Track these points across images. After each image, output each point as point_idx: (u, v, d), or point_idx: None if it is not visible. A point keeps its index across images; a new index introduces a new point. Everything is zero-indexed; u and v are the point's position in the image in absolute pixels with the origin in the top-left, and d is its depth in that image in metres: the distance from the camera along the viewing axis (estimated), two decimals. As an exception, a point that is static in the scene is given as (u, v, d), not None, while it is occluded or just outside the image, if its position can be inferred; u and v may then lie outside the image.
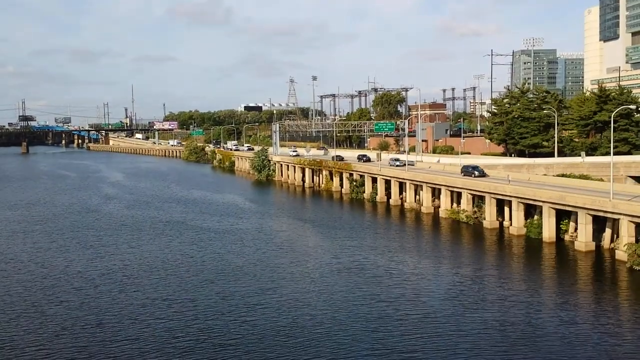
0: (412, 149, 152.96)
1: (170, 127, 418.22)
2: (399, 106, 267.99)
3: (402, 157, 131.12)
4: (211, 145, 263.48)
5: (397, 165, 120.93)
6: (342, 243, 79.72)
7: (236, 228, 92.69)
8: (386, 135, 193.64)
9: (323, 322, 48.10)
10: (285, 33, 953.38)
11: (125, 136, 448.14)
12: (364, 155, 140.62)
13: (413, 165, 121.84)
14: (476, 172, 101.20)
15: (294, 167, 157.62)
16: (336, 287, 58.65)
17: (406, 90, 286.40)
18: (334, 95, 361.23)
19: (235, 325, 47.98)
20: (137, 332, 46.68)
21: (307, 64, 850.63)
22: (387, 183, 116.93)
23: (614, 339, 43.93)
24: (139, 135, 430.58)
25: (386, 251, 74.55)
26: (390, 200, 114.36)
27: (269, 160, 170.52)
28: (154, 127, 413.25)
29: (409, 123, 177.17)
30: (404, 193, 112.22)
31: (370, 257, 71.12)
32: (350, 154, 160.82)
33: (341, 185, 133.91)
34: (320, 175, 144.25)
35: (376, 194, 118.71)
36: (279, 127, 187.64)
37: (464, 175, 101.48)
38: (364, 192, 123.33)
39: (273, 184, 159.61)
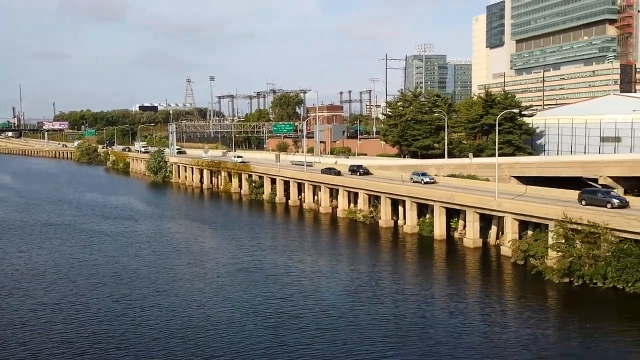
0: (311, 150, 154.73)
1: (60, 127, 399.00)
2: (297, 108, 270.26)
3: (301, 158, 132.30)
4: (104, 146, 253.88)
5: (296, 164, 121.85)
6: (241, 243, 79.44)
7: (131, 231, 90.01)
8: (285, 137, 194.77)
9: (219, 322, 47.89)
10: (183, 31, 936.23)
11: (12, 136, 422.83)
12: (332, 169, 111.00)
13: (311, 166, 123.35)
14: (361, 170, 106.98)
15: (192, 168, 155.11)
16: (233, 286, 58.51)
17: (304, 92, 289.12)
18: (232, 96, 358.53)
19: (128, 328, 46.85)
20: (27, 338, 44.71)
21: (206, 64, 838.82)
22: (286, 184, 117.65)
23: (498, 328, 46.69)
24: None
25: (285, 250, 75.09)
26: (289, 201, 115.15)
27: (166, 162, 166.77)
28: (44, 127, 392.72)
29: (307, 124, 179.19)
30: (302, 194, 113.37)
31: (269, 256, 71.38)
32: (257, 156, 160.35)
33: (240, 186, 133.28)
34: (219, 177, 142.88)
35: (275, 195, 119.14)
36: (176, 128, 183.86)
37: (351, 174, 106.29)
38: (263, 193, 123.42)
39: (170, 186, 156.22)
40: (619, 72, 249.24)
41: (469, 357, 40.93)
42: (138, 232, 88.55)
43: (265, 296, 54.87)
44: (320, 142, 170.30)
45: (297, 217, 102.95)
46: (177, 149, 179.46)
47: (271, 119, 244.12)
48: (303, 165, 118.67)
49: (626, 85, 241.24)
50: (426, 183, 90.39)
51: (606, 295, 53.85)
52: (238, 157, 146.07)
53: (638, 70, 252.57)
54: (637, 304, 51.61)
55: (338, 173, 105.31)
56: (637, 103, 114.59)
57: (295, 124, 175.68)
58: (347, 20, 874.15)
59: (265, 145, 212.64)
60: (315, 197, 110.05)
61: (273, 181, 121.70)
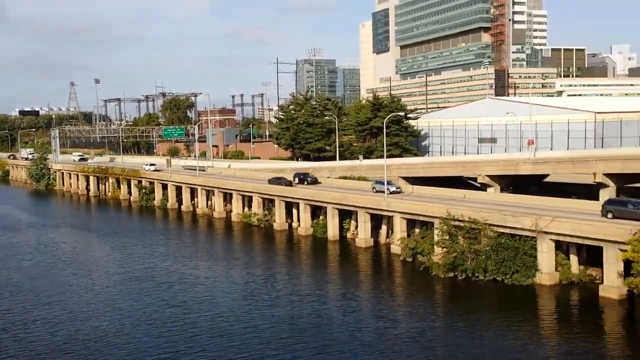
0: (203, 155, 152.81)
1: None
2: (188, 111, 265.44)
3: (193, 162, 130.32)
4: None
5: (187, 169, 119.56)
6: (131, 251, 77.32)
7: (11, 242, 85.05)
8: (176, 141, 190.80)
9: (107, 333, 46.56)
10: (66, 33, 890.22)
11: None
12: (281, 178, 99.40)
13: (204, 170, 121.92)
14: (308, 179, 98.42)
15: (77, 175, 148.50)
16: (123, 296, 56.97)
17: (195, 95, 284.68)
18: (119, 100, 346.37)
19: (9, 344, 44.47)
20: None
21: (90, 66, 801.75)
22: (179, 189, 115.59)
23: (389, 323, 48.69)
24: None
25: (178, 257, 73.94)
26: (182, 206, 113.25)
27: (49, 169, 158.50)
28: None
29: (199, 128, 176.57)
30: (195, 199, 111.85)
31: (161, 264, 70.03)
32: (140, 160, 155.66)
33: (129, 192, 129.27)
34: (107, 183, 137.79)
35: (167, 201, 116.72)
36: (59, 133, 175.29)
37: (298, 182, 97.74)
38: (154, 199, 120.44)
39: (54, 194, 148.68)
40: (494, 77, 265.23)
41: (362, 352, 42.45)
42: (19, 243, 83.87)
43: (157, 304, 53.89)
44: (213, 146, 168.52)
45: (191, 223, 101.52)
46: (79, 155, 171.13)
47: (161, 123, 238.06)
48: (195, 169, 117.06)
49: (500, 89, 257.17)
50: (392, 193, 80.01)
51: (487, 287, 57.53)
52: (151, 164, 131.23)
53: (510, 75, 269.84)
54: (514, 294, 55.53)
55: (289, 183, 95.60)
56: (511, 106, 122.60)
57: (187, 128, 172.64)
58: (236, 24, 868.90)
59: (155, 150, 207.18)
60: (209, 202, 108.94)
61: (164, 187, 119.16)
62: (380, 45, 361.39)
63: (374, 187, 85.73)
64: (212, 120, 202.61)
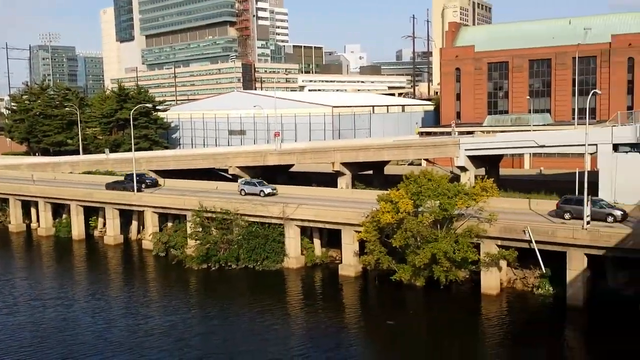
0: None
1: None
2: None
3: None
4: None
5: None
6: None
7: None
8: None
9: None
10: None
11: None
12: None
13: None
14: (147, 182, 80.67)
15: None
16: None
17: None
18: None
19: None
20: None
21: None
22: None
23: (141, 319, 47.61)
24: None
25: None
26: None
27: None
28: None
29: None
30: None
31: None
32: None
33: None
34: None
35: None
36: None
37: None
38: None
39: None
40: (241, 71, 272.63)
41: (110, 352, 41.07)
42: None
43: None
44: None
45: None
46: None
47: None
48: None
49: (247, 83, 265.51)
50: (268, 195, 70.50)
51: (240, 275, 59.36)
52: None
53: (257, 69, 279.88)
54: (264, 279, 58.16)
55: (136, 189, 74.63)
56: (258, 99, 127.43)
57: None
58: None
59: None
60: None
61: None
62: (124, 34, 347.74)
63: (242, 190, 72.32)
64: None
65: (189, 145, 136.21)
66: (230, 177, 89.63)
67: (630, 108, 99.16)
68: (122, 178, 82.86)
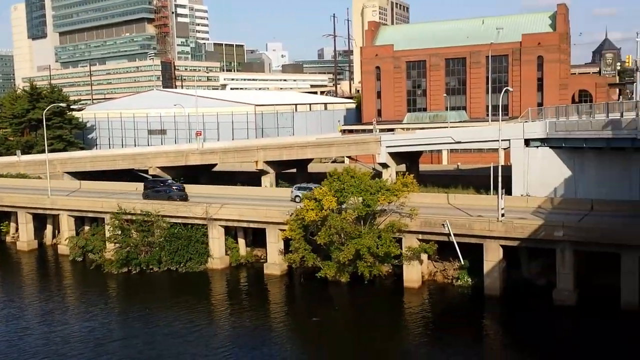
0: None
1: None
2: None
3: None
4: None
5: None
6: None
7: None
8: None
9: None
10: None
11: None
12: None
13: None
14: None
15: None
16: None
17: None
18: None
19: None
20: None
21: None
22: None
23: (58, 326, 45.69)
24: None
25: None
26: None
27: None
28: None
29: None
30: None
31: None
32: None
33: None
34: None
35: None
36: None
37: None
38: None
39: None
40: (160, 69, 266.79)
41: (26, 362, 39.39)
42: None
43: None
44: None
45: None
46: None
47: None
48: None
49: (167, 81, 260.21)
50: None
51: (162, 278, 58.04)
52: None
53: (177, 67, 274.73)
54: (188, 281, 57.13)
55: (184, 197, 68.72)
56: (178, 98, 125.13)
57: None
58: None
59: None
60: None
61: None
62: (36, 31, 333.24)
63: (297, 196, 63.45)
64: None
65: (107, 146, 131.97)
66: (151, 178, 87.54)
67: (540, 104, 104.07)
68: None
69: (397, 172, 71.62)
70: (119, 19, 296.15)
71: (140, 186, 77.95)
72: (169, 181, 74.31)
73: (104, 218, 64.91)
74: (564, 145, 61.32)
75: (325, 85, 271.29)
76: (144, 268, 59.43)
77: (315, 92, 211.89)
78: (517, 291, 48.72)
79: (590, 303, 45.58)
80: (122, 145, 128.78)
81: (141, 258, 59.54)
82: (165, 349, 41.16)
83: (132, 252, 59.63)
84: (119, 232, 61.37)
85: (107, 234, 62.94)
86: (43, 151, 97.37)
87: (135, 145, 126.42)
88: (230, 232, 62.00)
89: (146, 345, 42.00)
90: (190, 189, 74.20)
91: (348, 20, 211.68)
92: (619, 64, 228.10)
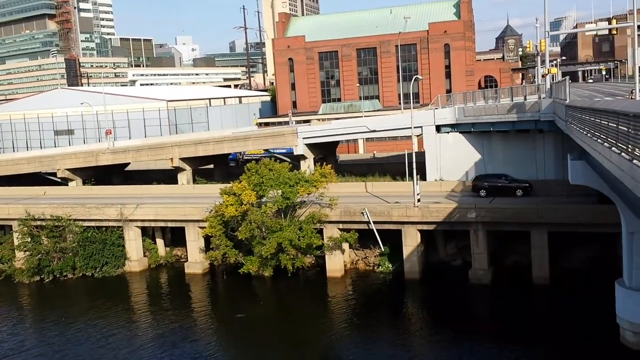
0: None
1: None
2: None
3: None
4: None
5: None
6: None
7: None
8: None
9: None
10: None
11: None
12: None
13: None
14: None
15: None
16: None
17: None
18: None
19: None
20: None
21: None
22: None
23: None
24: None
25: None
26: None
27: None
28: None
29: None
30: None
31: None
32: None
33: None
34: None
35: None
36: None
37: None
38: None
39: None
40: (65, 67, 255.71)
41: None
42: None
43: None
44: None
45: None
46: None
47: None
48: None
49: (72, 79, 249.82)
50: None
51: (77, 285, 55.84)
52: None
53: (82, 64, 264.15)
54: (105, 286, 55.19)
55: None
56: (85, 96, 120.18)
57: None
58: None
59: None
60: None
61: None
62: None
63: None
64: None
65: (10, 150, 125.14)
66: (60, 180, 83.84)
67: (449, 91, 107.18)
68: None
69: (314, 163, 72.00)
70: (18, 16, 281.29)
71: (48, 190, 74.61)
72: None
73: (11, 225, 61.63)
74: (472, 129, 63.47)
75: (239, 79, 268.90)
76: (58, 275, 56.94)
77: (229, 86, 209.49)
78: (436, 273, 50.23)
79: (505, 280, 47.61)
80: (27, 147, 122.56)
81: (54, 265, 56.98)
82: (82, 355, 39.68)
83: (43, 259, 56.94)
84: (29, 239, 58.45)
85: (16, 242, 59.77)
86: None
87: (41, 147, 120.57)
88: (148, 233, 60.43)
89: (62, 352, 40.36)
90: (103, 190, 71.76)
91: (258, 12, 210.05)
92: (520, 49, 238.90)
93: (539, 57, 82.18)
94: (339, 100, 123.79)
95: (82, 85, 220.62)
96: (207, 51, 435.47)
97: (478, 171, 61.61)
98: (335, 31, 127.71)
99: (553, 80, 65.80)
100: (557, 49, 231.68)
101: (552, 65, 72.89)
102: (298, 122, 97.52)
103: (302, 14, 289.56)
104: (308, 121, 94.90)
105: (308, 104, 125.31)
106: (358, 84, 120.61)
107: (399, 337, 40.71)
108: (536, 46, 77.74)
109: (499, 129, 61.34)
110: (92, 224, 59.12)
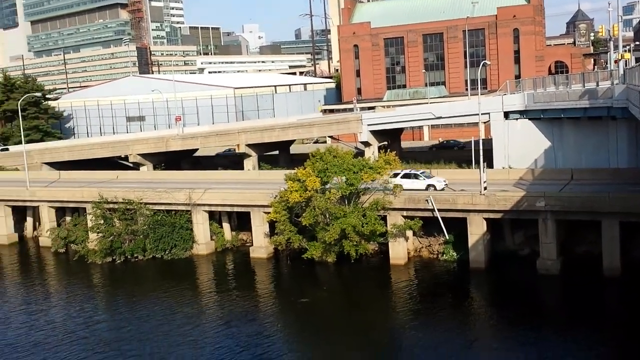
0: None
1: None
2: None
3: None
4: None
5: None
6: None
7: None
8: None
9: None
10: None
11: None
12: None
13: None
14: None
15: None
16: None
17: None
18: None
19: None
20: None
21: None
22: None
23: (42, 316, 45.42)
24: None
25: None
26: None
27: None
28: None
29: None
30: None
31: None
32: None
33: None
34: None
35: None
36: None
37: None
38: None
39: None
40: (136, 55, 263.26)
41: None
42: None
43: None
44: None
45: None
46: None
47: None
48: None
49: (143, 67, 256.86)
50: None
51: (147, 266, 57.71)
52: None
53: (153, 53, 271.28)
54: (174, 268, 56.86)
55: None
56: (155, 83, 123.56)
57: None
58: None
59: None
60: None
61: None
62: (7, 20, 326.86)
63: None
64: None
65: (85, 135, 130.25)
66: (132, 165, 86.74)
67: (517, 77, 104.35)
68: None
69: (379, 149, 71.64)
70: (92, 5, 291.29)
71: (121, 174, 77.34)
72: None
73: (85, 208, 64.21)
74: (542, 116, 61.64)
75: (304, 66, 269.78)
76: (128, 257, 59.00)
77: (294, 73, 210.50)
78: (502, 262, 49.23)
79: (574, 271, 46.20)
80: (101, 133, 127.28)
81: (125, 247, 59.07)
82: (155, 336, 41.08)
83: (115, 241, 59.13)
84: (102, 221, 60.76)
85: (90, 224, 62.26)
86: (20, 143, 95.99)
87: (113, 132, 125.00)
88: (215, 217, 61.72)
89: (136, 332, 41.88)
90: (172, 175, 73.77)
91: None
92: (592, 34, 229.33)
93: (611, 42, 78.87)
94: (404, 86, 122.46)
95: (152, 73, 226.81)
96: (273, 39, 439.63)
97: (547, 159, 59.88)
98: (401, 17, 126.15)
99: (626, 65, 62.97)
100: (630, 34, 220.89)
101: (625, 51, 69.69)
102: (362, 108, 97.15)
103: (368, 0, 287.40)
104: (372, 108, 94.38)
105: (373, 91, 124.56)
106: (424, 70, 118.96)
107: (462, 324, 40.21)
108: (609, 31, 74.63)
109: (570, 116, 59.34)
110: (162, 207, 60.87)
